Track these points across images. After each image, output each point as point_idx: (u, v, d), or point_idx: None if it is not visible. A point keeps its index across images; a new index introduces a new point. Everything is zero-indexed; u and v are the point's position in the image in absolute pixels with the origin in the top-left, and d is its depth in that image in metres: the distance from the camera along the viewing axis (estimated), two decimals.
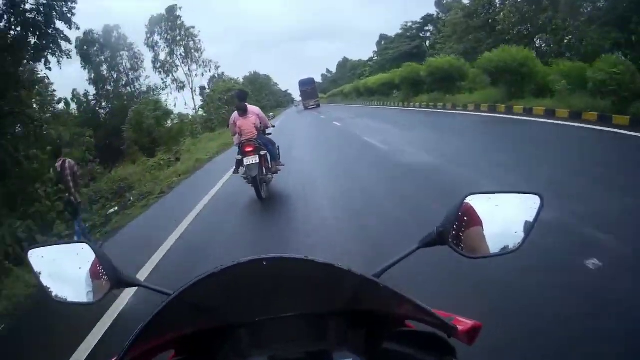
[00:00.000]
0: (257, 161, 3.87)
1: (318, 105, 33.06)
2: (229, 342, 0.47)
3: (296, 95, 66.77)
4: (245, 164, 3.90)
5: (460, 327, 0.45)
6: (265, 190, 4.13)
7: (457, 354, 0.45)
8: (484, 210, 0.55)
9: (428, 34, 29.10)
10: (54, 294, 0.58)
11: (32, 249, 0.61)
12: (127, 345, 0.41)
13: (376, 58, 36.19)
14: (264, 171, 4.08)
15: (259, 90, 41.36)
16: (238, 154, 4.07)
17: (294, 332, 0.47)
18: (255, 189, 3.97)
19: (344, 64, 53.32)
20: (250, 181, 3.96)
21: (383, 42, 35.30)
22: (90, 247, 0.58)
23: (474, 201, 0.55)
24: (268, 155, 4.17)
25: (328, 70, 70.63)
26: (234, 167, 4.23)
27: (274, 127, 4.78)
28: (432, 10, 28.34)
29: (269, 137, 4.46)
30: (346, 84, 43.00)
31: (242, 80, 35.54)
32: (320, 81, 69.12)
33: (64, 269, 0.59)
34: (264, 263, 0.40)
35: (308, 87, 34.96)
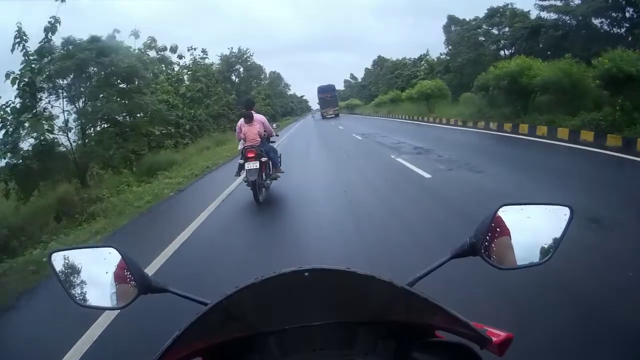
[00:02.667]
0: (257, 167, 5.64)
1: (337, 115, 39.46)
2: (257, 350, 0.63)
3: (314, 103, 72.19)
4: (246, 168, 5.67)
5: (493, 339, 0.58)
6: (263, 195, 5.87)
7: None
8: (515, 222, 0.76)
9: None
10: (77, 298, 0.77)
11: (54, 251, 0.79)
12: (159, 354, 0.55)
13: (447, 50, 30.50)
14: (264, 176, 5.85)
15: (245, 82, 35.66)
16: (240, 158, 5.88)
17: (323, 341, 0.62)
18: (253, 193, 5.71)
19: (380, 63, 55.41)
20: (250, 184, 5.71)
21: (454, 27, 29.50)
22: (118, 251, 0.77)
23: (506, 212, 0.76)
24: (269, 162, 5.97)
25: (353, 76, 74.21)
26: (237, 170, 6.01)
27: (277, 135, 6.61)
28: None
29: (272, 144, 6.29)
30: (386, 88, 43.95)
31: (214, 62, 30.59)
32: (343, 88, 73.49)
33: (89, 272, 0.78)
34: (306, 275, 0.54)
35: (327, 95, 40.71)
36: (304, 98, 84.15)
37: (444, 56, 31.76)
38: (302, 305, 0.61)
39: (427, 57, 42.47)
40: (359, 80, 68.38)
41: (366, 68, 63.17)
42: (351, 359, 0.62)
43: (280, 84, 66.90)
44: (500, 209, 0.76)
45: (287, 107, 61.57)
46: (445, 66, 29.04)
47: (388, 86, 44.66)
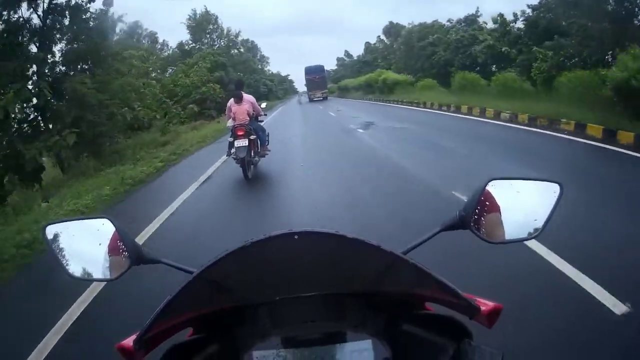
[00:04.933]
0: (246, 144, 7.88)
1: (325, 98, 43.46)
2: (248, 321, 0.84)
3: (300, 85, 74.53)
4: (235, 145, 7.89)
5: (482, 309, 0.75)
6: (252, 172, 8.11)
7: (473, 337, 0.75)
8: (505, 196, 1.00)
9: None
10: (71, 271, 1.02)
11: (48, 224, 1.05)
12: (148, 324, 0.71)
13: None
14: (252, 154, 8.10)
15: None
16: (230, 137, 8.09)
17: (313, 313, 0.83)
18: (242, 169, 7.96)
19: (393, 31, 55.21)
20: (239, 162, 7.92)
21: None
22: (112, 222, 1.01)
23: (495, 186, 1.00)
24: (258, 140, 8.23)
25: (347, 53, 76.18)
26: (227, 149, 8.22)
27: (266, 115, 8.86)
28: None
29: (260, 124, 8.56)
30: (412, 62, 39.01)
31: None
32: (335, 67, 75.86)
33: (83, 244, 1.03)
34: (295, 237, 0.69)
35: (315, 76, 45.97)
36: (289, 78, 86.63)
37: (529, 11, 24.42)
38: (293, 276, 0.79)
39: (479, 16, 36.66)
40: (355, 58, 70.23)
41: (367, 42, 65.18)
42: (341, 331, 0.85)
43: (255, 55, 63.97)
44: (490, 183, 1.00)
45: (258, 87, 52.19)
46: (546, 27, 21.19)
47: (414, 59, 40.30)
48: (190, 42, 49.98)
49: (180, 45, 48.95)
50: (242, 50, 57.12)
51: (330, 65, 77.24)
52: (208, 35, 51.29)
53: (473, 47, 31.58)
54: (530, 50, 22.02)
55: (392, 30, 56.38)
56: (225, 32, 53.46)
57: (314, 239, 0.70)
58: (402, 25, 52.06)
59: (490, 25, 32.88)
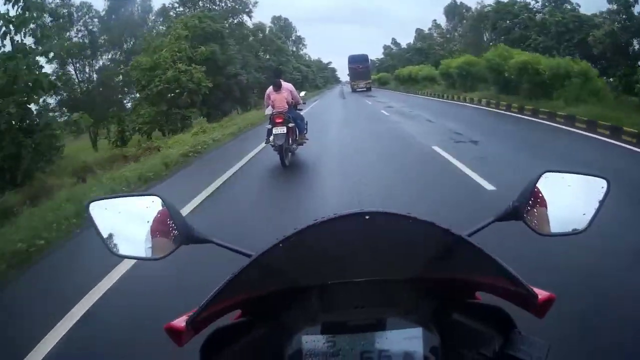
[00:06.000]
0: (285, 132, 8.94)
1: (369, 89, 46.93)
2: (298, 305, 0.90)
3: (343, 74, 75.99)
4: (273, 132, 8.97)
5: (539, 296, 0.83)
6: (289, 159, 9.23)
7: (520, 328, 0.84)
8: (556, 189, 1.14)
9: None
10: (116, 249, 1.09)
11: (92, 200, 1.12)
12: (202, 305, 0.79)
13: None
14: (290, 141, 9.21)
15: None
16: (269, 124, 9.20)
17: (364, 298, 0.91)
18: (280, 157, 9.05)
19: (458, 12, 53.53)
20: (277, 149, 9.00)
21: None
22: (161, 199, 1.08)
23: (548, 179, 1.14)
24: (296, 128, 9.37)
25: (395, 42, 75.29)
26: (266, 137, 9.36)
27: (305, 103, 10.01)
28: None
29: (299, 112, 9.73)
30: (475, 49, 34.32)
31: None
32: (382, 56, 76.43)
33: (129, 222, 1.10)
34: (366, 217, 0.76)
35: (359, 65, 49.27)
36: (330, 66, 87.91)
37: None
38: (347, 260, 0.89)
39: None
40: (404, 46, 69.84)
41: (418, 28, 64.93)
42: (391, 317, 0.90)
43: (289, 36, 60.95)
44: (543, 175, 1.14)
45: (287, 72, 41.88)
46: None
47: (488, 45, 34.96)
48: (177, 4, 39.03)
49: (164, 9, 38.64)
50: (253, 16, 43.17)
51: (375, 54, 77.71)
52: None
53: (591, 33, 24.33)
54: None
55: (455, 10, 54.22)
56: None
57: (384, 219, 0.80)
58: (468, 6, 50.38)
59: (595, 7, 27.53)
